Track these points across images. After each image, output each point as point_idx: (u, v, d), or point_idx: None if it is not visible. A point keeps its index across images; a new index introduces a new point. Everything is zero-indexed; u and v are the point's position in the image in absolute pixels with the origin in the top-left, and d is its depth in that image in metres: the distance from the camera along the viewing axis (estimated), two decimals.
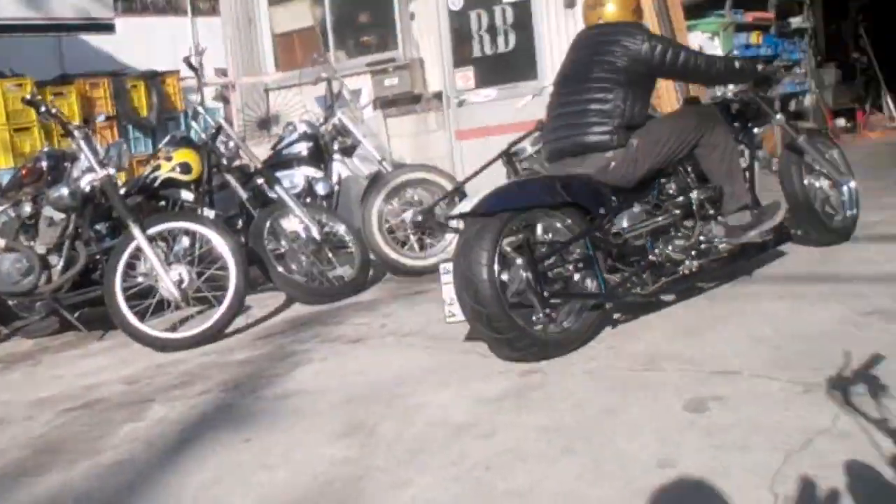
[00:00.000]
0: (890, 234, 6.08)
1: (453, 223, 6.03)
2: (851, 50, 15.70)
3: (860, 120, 14.35)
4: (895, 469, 2.80)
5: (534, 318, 4.30)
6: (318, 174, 7.22)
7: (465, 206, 4.38)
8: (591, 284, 4.52)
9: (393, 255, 7.07)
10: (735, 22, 9.93)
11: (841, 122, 14.66)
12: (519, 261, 4.31)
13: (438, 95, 8.93)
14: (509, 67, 8.62)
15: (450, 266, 4.48)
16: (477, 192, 4.47)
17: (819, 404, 3.37)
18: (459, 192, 6.86)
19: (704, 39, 9.26)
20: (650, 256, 4.74)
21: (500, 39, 8.64)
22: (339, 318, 5.85)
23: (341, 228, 6.77)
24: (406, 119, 9.11)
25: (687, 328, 4.55)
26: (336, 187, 7.33)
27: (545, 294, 4.30)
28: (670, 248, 4.81)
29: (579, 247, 4.50)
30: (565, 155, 4.88)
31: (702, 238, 4.88)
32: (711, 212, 4.94)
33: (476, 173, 6.94)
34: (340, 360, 4.88)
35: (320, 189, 7.16)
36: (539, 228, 4.52)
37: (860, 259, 5.49)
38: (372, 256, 6.92)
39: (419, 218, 7.05)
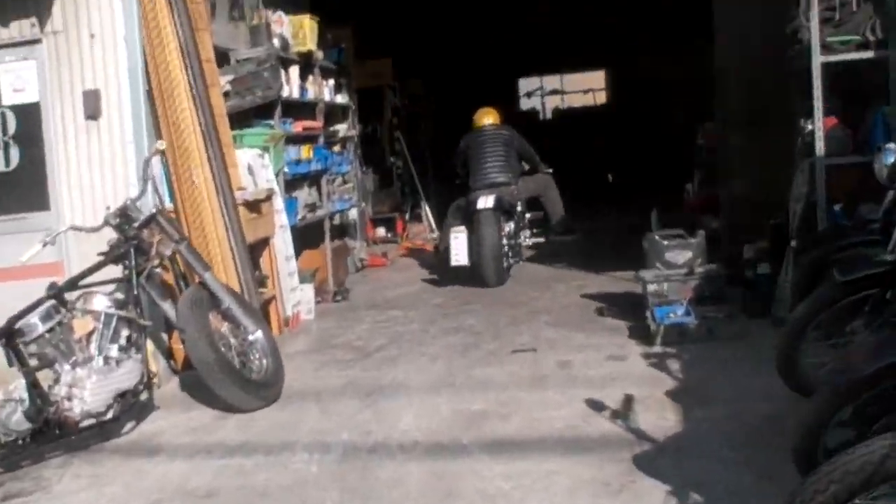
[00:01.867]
0: (505, 436, 4.96)
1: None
2: (388, 154, 15.31)
3: (399, 231, 13.84)
4: None
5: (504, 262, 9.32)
6: None
7: (481, 205, 9.18)
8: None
9: None
10: (285, 134, 8.66)
11: (382, 231, 14.05)
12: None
13: None
14: (13, 191, 6.63)
15: (458, 234, 9.24)
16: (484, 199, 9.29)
17: None
18: None
19: (254, 157, 7.86)
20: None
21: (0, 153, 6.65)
22: None
23: None
24: None
25: None
26: None
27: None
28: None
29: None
30: (492, 185, 9.61)
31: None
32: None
33: None
34: None
35: None
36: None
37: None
38: None
39: None
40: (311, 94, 9.73)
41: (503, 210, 9.38)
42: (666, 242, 7.04)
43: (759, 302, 6.56)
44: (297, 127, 9.25)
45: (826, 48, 6.19)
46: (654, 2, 19.87)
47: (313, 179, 9.86)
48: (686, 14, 19.43)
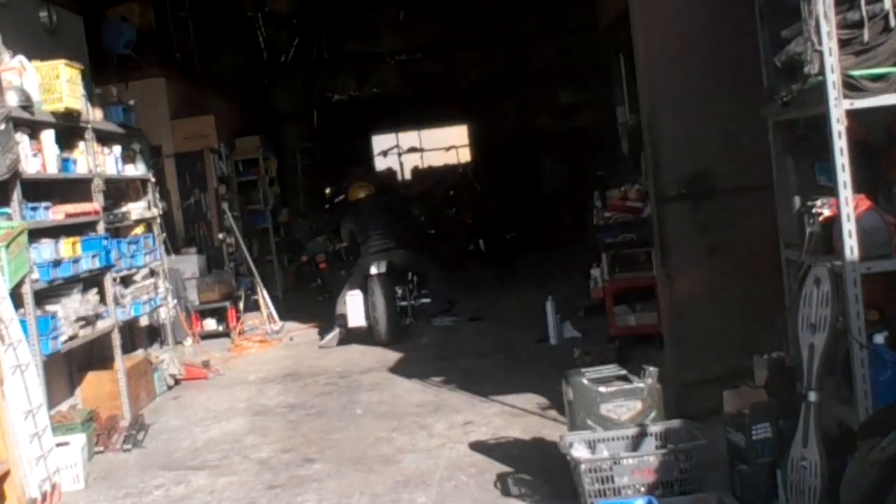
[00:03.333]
0: None
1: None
2: (216, 230, 12.61)
3: (233, 324, 11.12)
4: None
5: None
6: None
7: (373, 270, 9.77)
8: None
9: None
10: (28, 226, 5.92)
11: (211, 324, 11.33)
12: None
13: None
14: None
15: (354, 297, 9.85)
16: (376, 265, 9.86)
17: None
18: None
19: None
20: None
21: None
22: None
23: None
24: None
25: None
26: None
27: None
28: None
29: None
30: (381, 251, 10.17)
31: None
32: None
33: None
34: None
35: None
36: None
37: None
38: None
39: None
40: (80, 168, 7.08)
41: (394, 274, 10.04)
42: (602, 390, 4.63)
43: (760, 485, 4.18)
44: (57, 213, 6.56)
45: (849, 87, 3.93)
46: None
47: (91, 281, 7.13)
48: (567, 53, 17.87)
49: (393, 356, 9.00)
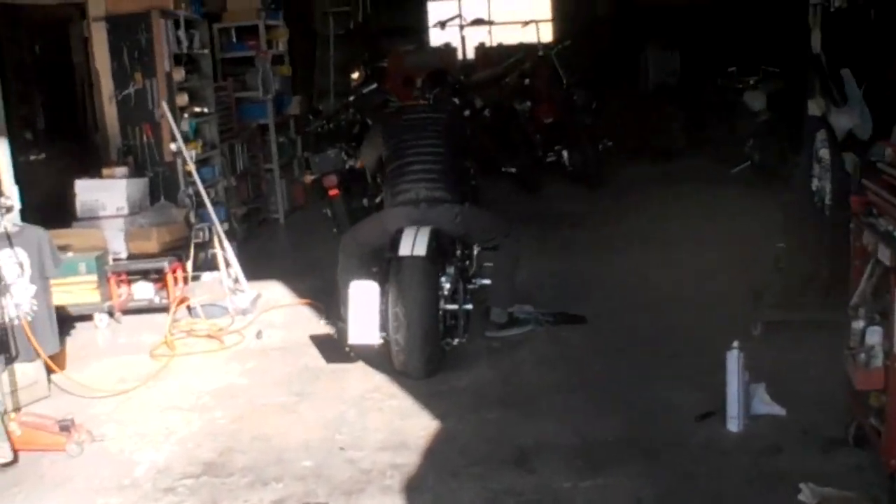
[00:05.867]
0: None
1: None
2: (168, 136, 8.24)
3: (174, 296, 6.88)
4: None
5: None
6: None
7: (405, 249, 5.34)
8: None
9: None
10: None
11: (147, 290, 7.18)
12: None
13: None
14: None
15: (364, 291, 5.32)
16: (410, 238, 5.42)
17: None
18: None
19: None
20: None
21: None
22: None
23: None
24: None
25: None
26: None
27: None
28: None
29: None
30: (422, 202, 5.77)
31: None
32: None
33: None
34: None
35: None
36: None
37: None
38: None
39: None
40: None
41: (442, 253, 5.60)
42: None
43: None
44: None
45: None
46: None
47: None
48: None
49: (416, 429, 4.69)
